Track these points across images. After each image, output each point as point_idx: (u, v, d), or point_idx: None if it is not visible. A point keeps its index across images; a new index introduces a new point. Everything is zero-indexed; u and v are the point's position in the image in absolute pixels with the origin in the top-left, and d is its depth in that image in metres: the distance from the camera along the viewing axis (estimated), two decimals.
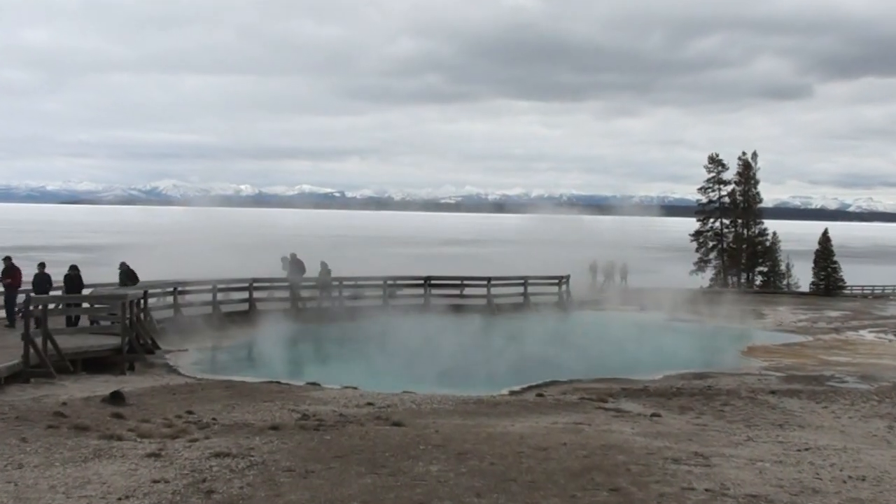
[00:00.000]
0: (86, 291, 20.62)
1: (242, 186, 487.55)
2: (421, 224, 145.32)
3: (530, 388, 16.91)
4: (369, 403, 13.23)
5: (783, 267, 54.25)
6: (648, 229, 58.60)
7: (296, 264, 28.22)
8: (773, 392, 15.83)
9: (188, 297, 24.80)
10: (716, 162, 54.37)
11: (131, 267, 22.50)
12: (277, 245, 32.74)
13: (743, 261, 53.76)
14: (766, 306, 35.92)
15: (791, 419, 12.93)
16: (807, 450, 9.99)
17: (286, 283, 27.59)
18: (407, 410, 12.74)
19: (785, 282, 53.68)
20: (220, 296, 25.46)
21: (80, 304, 19.49)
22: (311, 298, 28.11)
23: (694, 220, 55.54)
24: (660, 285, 39.30)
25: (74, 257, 31.94)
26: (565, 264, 35.71)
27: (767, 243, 53.90)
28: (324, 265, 29.61)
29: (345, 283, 28.84)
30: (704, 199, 54.78)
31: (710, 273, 54.18)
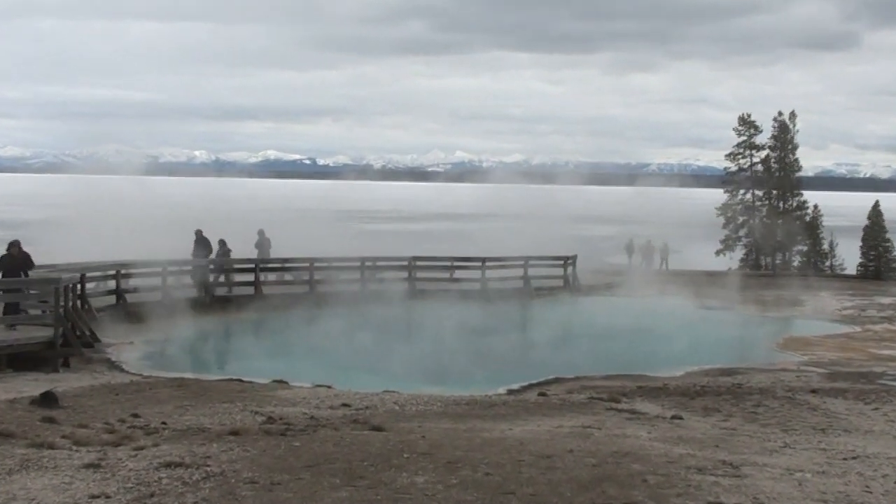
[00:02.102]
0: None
1: (197, 152, 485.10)
2: (405, 196, 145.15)
3: (531, 386, 16.94)
4: (345, 404, 13.22)
5: (825, 246, 54.39)
6: (667, 202, 58.72)
7: (201, 243, 27.65)
8: (814, 391, 15.89)
9: (133, 282, 24.73)
10: (747, 124, 54.33)
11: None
12: (228, 220, 32.63)
13: (778, 239, 53.89)
14: (805, 291, 36.04)
15: (835, 423, 12.98)
16: (854, 458, 10.02)
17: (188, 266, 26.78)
18: (388, 412, 12.73)
19: (828, 263, 53.88)
20: (171, 280, 25.40)
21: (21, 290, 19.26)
22: (220, 284, 27.64)
23: (721, 191, 55.55)
24: (681, 268, 39.44)
25: None
26: (571, 243, 35.77)
27: (807, 218, 53.99)
28: (261, 233, 30.17)
29: (316, 264, 28.74)
30: (733, 168, 54.74)
31: (739, 253, 54.30)
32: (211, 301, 26.03)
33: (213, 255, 27.68)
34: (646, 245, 42.87)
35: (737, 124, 54.63)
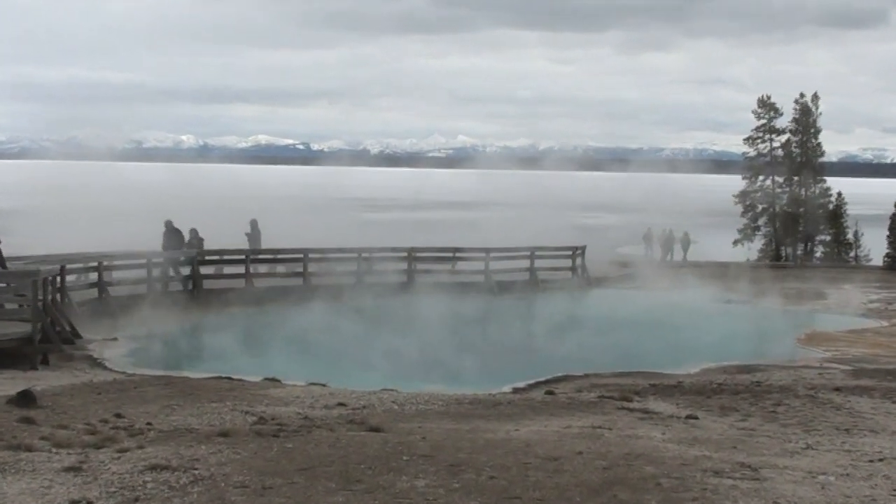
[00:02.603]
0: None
1: (183, 137, 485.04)
2: (404, 183, 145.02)
3: (538, 384, 16.94)
4: (341, 404, 13.22)
5: (850, 235, 54.34)
6: (682, 189, 58.62)
7: (172, 234, 27.54)
8: (837, 389, 15.88)
9: (116, 275, 24.73)
10: (767, 106, 54.29)
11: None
12: (216, 209, 32.65)
13: (800, 228, 53.87)
14: (828, 284, 36.05)
15: (861, 422, 12.96)
16: (881, 460, 10.02)
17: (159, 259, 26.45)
18: (387, 412, 12.74)
19: (852, 254, 53.84)
20: (156, 272, 25.44)
21: None
22: (209, 276, 27.38)
23: (739, 177, 55.54)
24: (697, 259, 39.38)
25: None
26: (580, 233, 35.76)
27: (831, 206, 53.97)
28: (254, 224, 30.21)
29: (310, 254, 28.71)
30: (752, 153, 54.73)
31: (758, 243, 54.32)
32: (199, 294, 26.01)
33: (185, 247, 27.62)
34: (665, 235, 42.97)
35: (756, 106, 54.62)
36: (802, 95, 54.37)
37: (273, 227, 30.94)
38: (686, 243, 43.69)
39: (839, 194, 54.07)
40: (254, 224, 30.39)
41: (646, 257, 42.61)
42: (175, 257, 26.88)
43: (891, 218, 49.64)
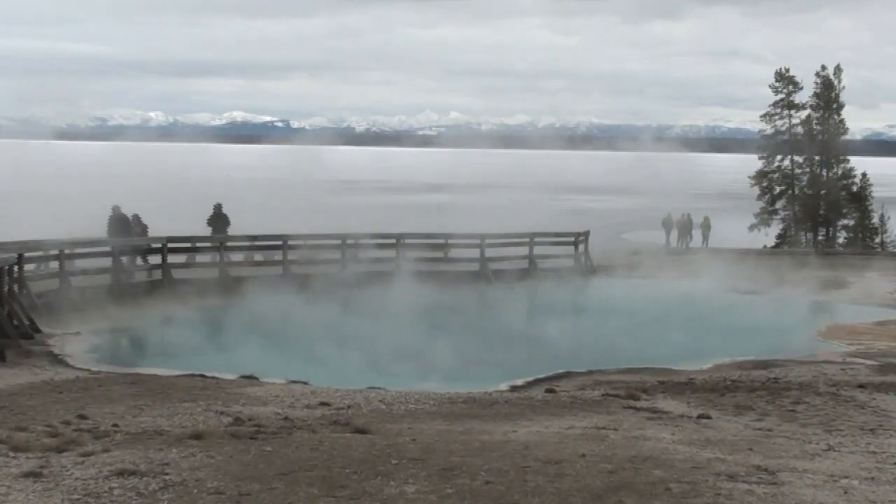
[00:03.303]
0: None
1: (152, 114, 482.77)
2: (392, 163, 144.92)
3: (538, 381, 16.98)
4: (323, 403, 13.22)
5: (875, 220, 54.47)
6: (692, 170, 58.61)
7: (118, 222, 27.37)
8: (861, 386, 15.93)
9: (79, 263, 24.68)
10: (785, 80, 54.32)
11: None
12: (185, 189, 32.52)
13: (821, 212, 53.94)
14: (851, 271, 36.10)
15: (886, 422, 13.00)
16: None
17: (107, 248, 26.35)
18: (373, 412, 12.74)
19: (878, 239, 53.96)
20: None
21: None
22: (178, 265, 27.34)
23: (755, 157, 55.57)
24: (716, 245, 39.43)
25: None
26: (582, 217, 35.76)
27: (854, 188, 54.05)
28: (218, 208, 30.11)
29: (290, 241, 28.62)
30: (769, 130, 54.77)
31: (776, 228, 54.39)
32: (168, 285, 25.94)
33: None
34: (683, 220, 43.09)
35: (773, 80, 54.60)
36: (824, 68, 54.38)
37: (249, 212, 30.85)
38: (706, 228, 43.90)
39: (863, 175, 54.12)
40: (217, 209, 30.11)
41: (666, 244, 42.71)
42: (140, 245, 26.84)
43: None
